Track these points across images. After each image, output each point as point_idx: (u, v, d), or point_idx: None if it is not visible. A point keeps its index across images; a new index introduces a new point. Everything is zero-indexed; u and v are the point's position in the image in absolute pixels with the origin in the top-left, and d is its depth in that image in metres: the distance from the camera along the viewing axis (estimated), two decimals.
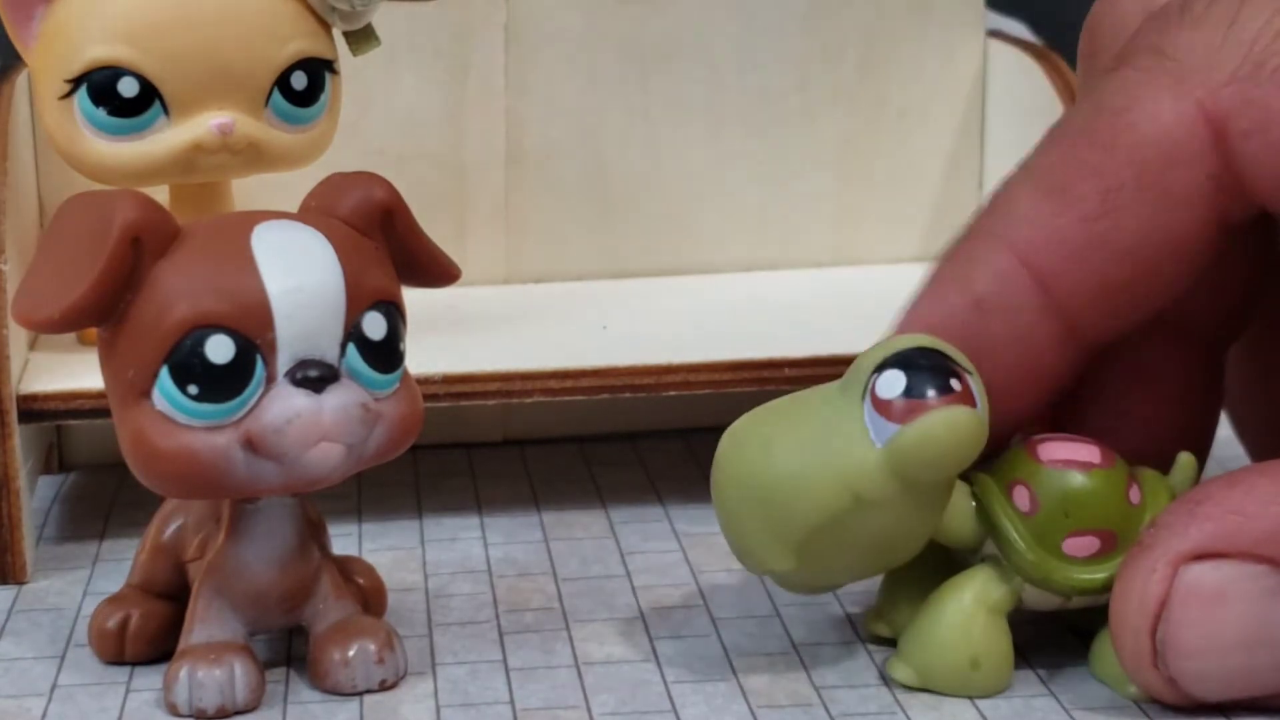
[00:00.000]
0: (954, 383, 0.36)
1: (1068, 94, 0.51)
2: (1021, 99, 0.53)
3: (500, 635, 0.42)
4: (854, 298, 0.53)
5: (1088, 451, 0.38)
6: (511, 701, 0.39)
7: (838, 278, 0.55)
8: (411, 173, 0.53)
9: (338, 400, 0.36)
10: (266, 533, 0.38)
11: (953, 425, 0.36)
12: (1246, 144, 0.37)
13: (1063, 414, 0.41)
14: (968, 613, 0.38)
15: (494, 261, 0.54)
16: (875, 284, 0.54)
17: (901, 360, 0.36)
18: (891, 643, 0.40)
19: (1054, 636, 0.40)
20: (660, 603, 0.43)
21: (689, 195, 0.54)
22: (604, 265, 0.54)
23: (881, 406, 0.36)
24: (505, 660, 0.40)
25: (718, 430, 0.54)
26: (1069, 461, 0.38)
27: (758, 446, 0.37)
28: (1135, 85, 0.38)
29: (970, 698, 0.38)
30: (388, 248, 0.39)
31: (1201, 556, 0.36)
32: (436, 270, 0.40)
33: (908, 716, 0.38)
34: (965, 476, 0.38)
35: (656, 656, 0.40)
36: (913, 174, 0.55)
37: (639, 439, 0.54)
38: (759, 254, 0.55)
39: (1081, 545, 0.38)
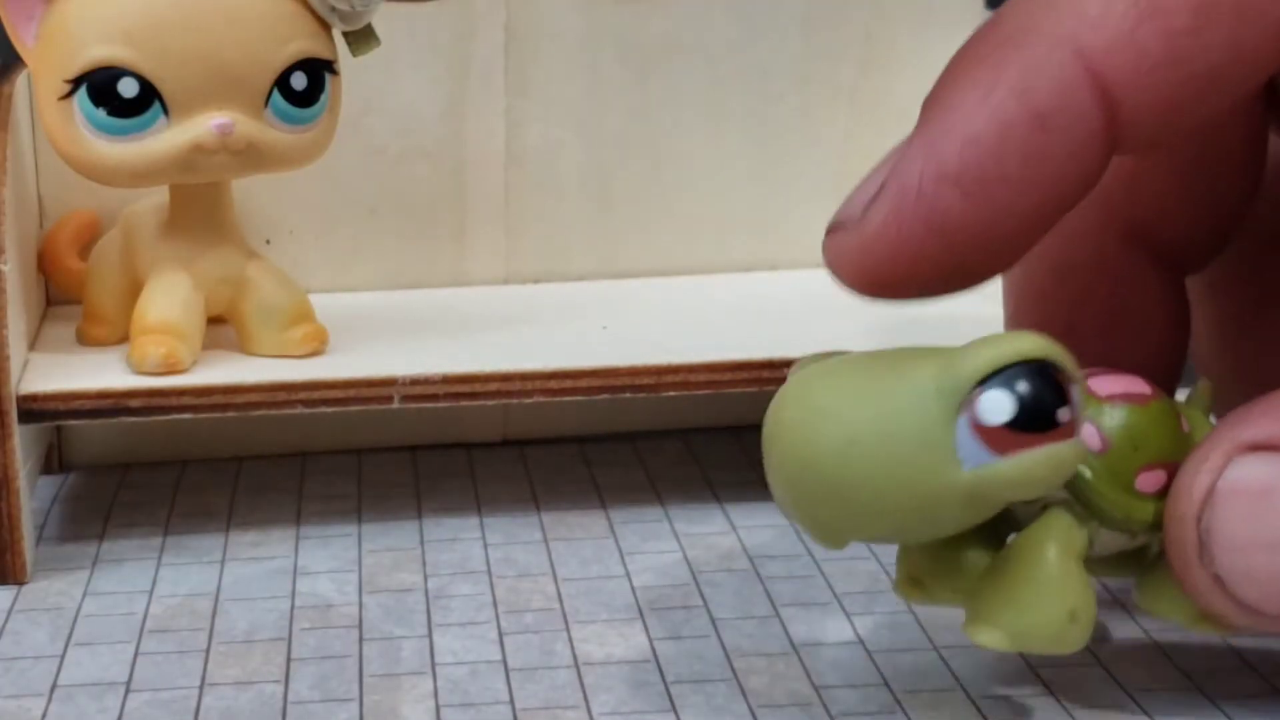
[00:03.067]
0: (1062, 413, 0.34)
1: None
2: None
3: (500, 635, 0.42)
4: (854, 298, 0.53)
5: (1138, 384, 0.37)
6: (511, 701, 0.39)
7: None
8: (411, 173, 0.53)
9: None
10: None
11: (1055, 465, 0.34)
12: None
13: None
14: (1060, 565, 0.36)
15: (494, 261, 0.54)
16: None
17: (1010, 381, 0.34)
18: (959, 638, 0.40)
19: None
20: (660, 603, 0.43)
21: (689, 195, 0.54)
22: (604, 265, 0.54)
23: (982, 431, 0.33)
24: (505, 660, 0.40)
25: (717, 430, 0.54)
26: (1127, 395, 0.37)
27: (838, 443, 0.34)
28: None
29: (1062, 654, 0.36)
30: None
31: (1255, 448, 0.35)
32: None
33: (907, 716, 0.38)
34: None
35: (656, 656, 0.41)
36: None
37: (639, 439, 0.54)
38: (759, 254, 0.55)
39: (1151, 480, 0.36)
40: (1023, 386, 0.33)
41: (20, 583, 0.44)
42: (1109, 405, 0.37)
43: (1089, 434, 0.36)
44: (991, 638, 0.36)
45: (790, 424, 0.35)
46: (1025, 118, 0.35)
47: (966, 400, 0.33)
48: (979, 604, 0.37)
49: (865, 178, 0.37)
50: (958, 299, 0.38)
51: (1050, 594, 0.36)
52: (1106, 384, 0.37)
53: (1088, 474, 0.36)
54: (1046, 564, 0.36)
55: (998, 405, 0.33)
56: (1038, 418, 0.33)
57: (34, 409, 0.44)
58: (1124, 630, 0.41)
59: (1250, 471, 0.35)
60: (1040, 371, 0.34)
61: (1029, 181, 0.35)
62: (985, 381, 0.33)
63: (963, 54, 0.37)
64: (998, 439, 0.33)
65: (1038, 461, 0.33)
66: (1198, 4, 0.34)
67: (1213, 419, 0.38)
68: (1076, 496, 0.36)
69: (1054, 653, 0.36)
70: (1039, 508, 0.37)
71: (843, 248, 0.36)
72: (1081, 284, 0.41)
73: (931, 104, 0.36)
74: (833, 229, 0.37)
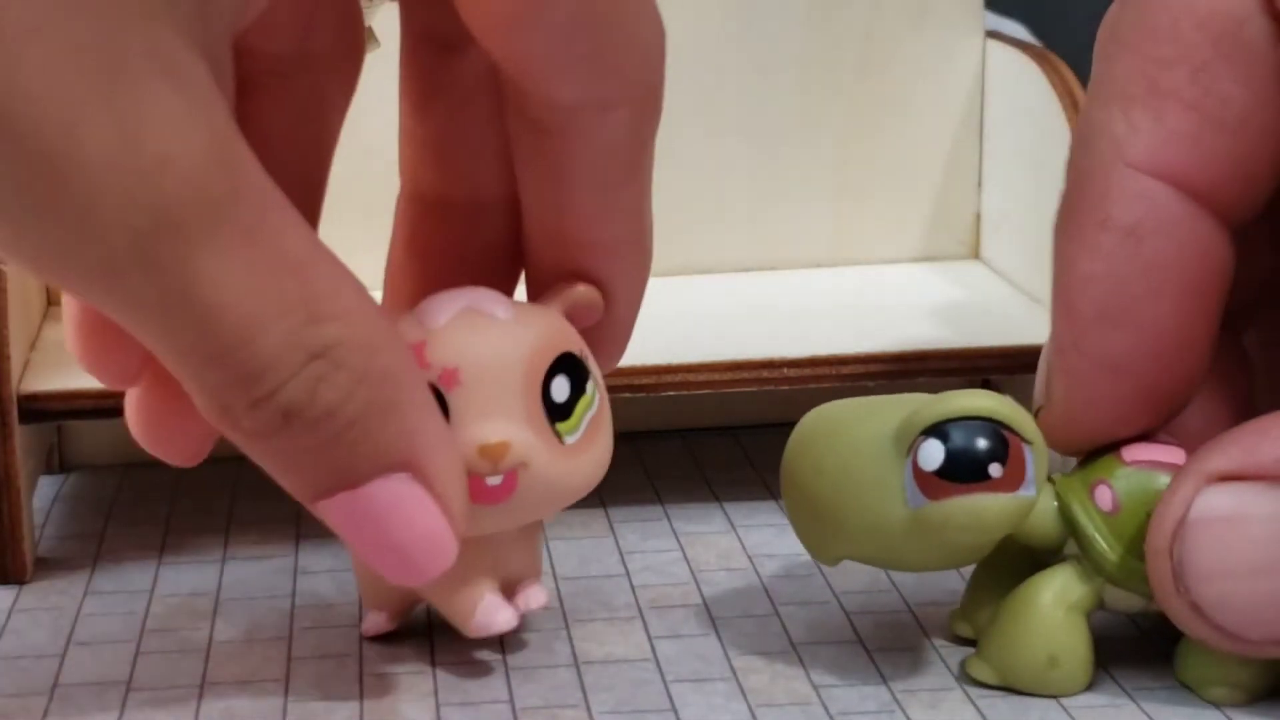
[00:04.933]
0: (994, 468, 0.36)
1: (1066, 94, 0.51)
2: (1020, 100, 0.53)
3: (500, 634, 0.42)
4: (853, 298, 0.53)
5: (1173, 454, 0.38)
6: (511, 700, 0.39)
7: (837, 278, 0.55)
8: None
9: None
10: None
11: (974, 515, 0.36)
12: None
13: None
14: (1046, 611, 0.38)
15: None
16: (875, 284, 0.54)
17: (946, 433, 0.37)
18: (969, 645, 0.40)
19: None
20: (659, 602, 0.43)
21: (688, 196, 0.54)
22: None
23: (918, 475, 0.37)
24: (505, 659, 0.40)
25: (717, 430, 0.54)
26: (1153, 462, 0.38)
27: (810, 466, 0.38)
28: None
29: (1049, 696, 0.38)
30: None
31: (1223, 478, 0.36)
32: None
33: (906, 715, 0.38)
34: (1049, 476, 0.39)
35: (656, 656, 0.41)
36: (912, 174, 0.55)
37: (639, 439, 0.54)
38: (758, 254, 0.55)
39: None
40: (957, 440, 0.37)
41: (21, 582, 0.45)
42: (1129, 469, 0.38)
43: (1102, 495, 0.38)
44: (983, 673, 0.39)
45: (789, 452, 0.39)
46: (1119, 240, 0.38)
47: (913, 445, 0.37)
48: (981, 640, 0.39)
49: (1041, 359, 0.40)
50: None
51: (1032, 637, 0.38)
52: (1139, 451, 0.38)
53: (1093, 533, 0.38)
54: (1035, 608, 0.38)
55: (931, 454, 0.37)
56: (964, 470, 0.36)
57: (35, 408, 0.44)
58: (1124, 630, 0.41)
59: (1217, 501, 0.36)
60: (981, 428, 0.37)
61: (1155, 290, 0.37)
62: (930, 430, 0.37)
63: (1054, 229, 0.39)
64: (929, 484, 0.37)
65: (957, 510, 0.36)
66: (1191, 72, 0.37)
67: None
68: (1084, 553, 0.38)
69: (1040, 694, 0.38)
70: (1060, 560, 0.38)
71: (1051, 427, 0.39)
72: None
73: (1053, 273, 0.39)
74: (1036, 414, 0.39)
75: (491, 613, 0.39)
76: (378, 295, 0.52)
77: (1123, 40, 0.39)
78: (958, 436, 0.36)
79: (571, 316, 0.39)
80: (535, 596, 0.40)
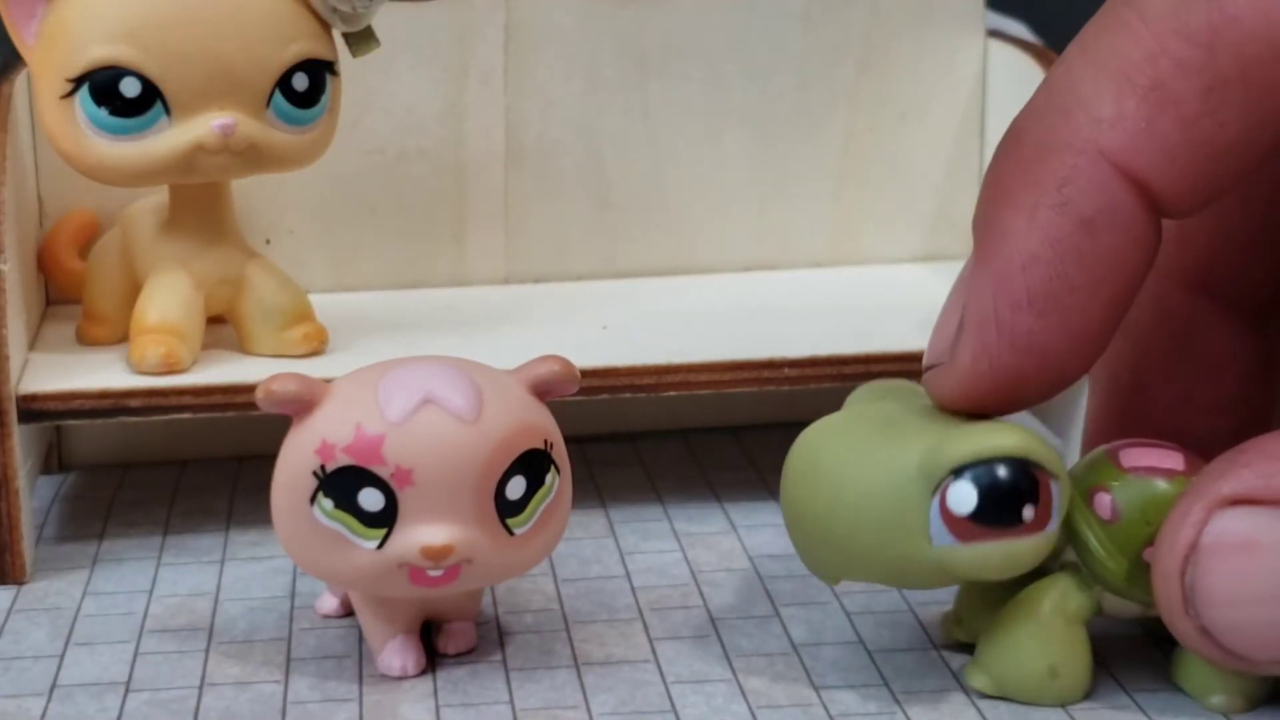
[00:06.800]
0: (1027, 512, 0.36)
1: None
2: (1022, 99, 0.53)
3: (500, 635, 0.42)
4: (854, 298, 0.53)
5: (1171, 459, 0.38)
6: (511, 701, 0.39)
7: (837, 278, 0.55)
8: (411, 172, 0.53)
9: None
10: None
11: (1010, 558, 0.36)
12: None
13: (1128, 404, 0.41)
14: (1046, 621, 0.38)
15: (494, 261, 0.54)
16: (875, 284, 0.54)
17: (980, 475, 0.36)
18: (967, 648, 0.40)
19: None
20: (660, 603, 0.43)
21: (688, 195, 0.54)
22: (604, 265, 0.54)
23: (948, 517, 0.36)
24: (505, 660, 0.40)
25: (718, 430, 0.54)
26: (1152, 469, 0.37)
27: (826, 496, 0.37)
28: None
29: (1048, 706, 0.38)
30: None
31: (1237, 502, 0.35)
32: None
33: (907, 716, 0.38)
34: None
35: (656, 656, 0.40)
36: (913, 174, 0.55)
37: (639, 439, 0.54)
38: (758, 254, 0.55)
39: None
40: (989, 484, 0.36)
41: (20, 582, 0.44)
42: (1129, 477, 0.37)
43: (1101, 503, 0.37)
44: (981, 683, 0.38)
45: (794, 475, 0.38)
46: (1073, 228, 0.36)
47: (941, 485, 0.36)
48: (979, 649, 0.39)
49: (941, 314, 0.39)
50: None
51: (1033, 648, 0.38)
52: (1135, 456, 0.38)
53: (1092, 541, 0.37)
54: (1035, 619, 0.38)
55: (963, 498, 0.36)
56: (999, 515, 0.36)
57: (34, 409, 0.44)
58: (1124, 630, 0.41)
59: (1231, 525, 0.35)
60: (1014, 469, 0.36)
61: (1095, 283, 0.36)
62: (961, 471, 0.36)
63: (995, 176, 0.38)
64: (961, 527, 0.36)
65: (992, 554, 0.36)
66: (1205, 87, 0.36)
67: None
68: (1082, 561, 0.38)
69: (1040, 704, 0.38)
70: (1058, 566, 0.38)
71: (943, 386, 0.38)
72: (1141, 336, 0.42)
73: (982, 229, 0.37)
74: (927, 369, 0.38)
75: (395, 656, 0.40)
76: (365, 295, 0.53)
77: (1149, 13, 0.36)
78: (991, 480, 0.36)
79: (543, 392, 0.39)
80: (459, 640, 0.40)
